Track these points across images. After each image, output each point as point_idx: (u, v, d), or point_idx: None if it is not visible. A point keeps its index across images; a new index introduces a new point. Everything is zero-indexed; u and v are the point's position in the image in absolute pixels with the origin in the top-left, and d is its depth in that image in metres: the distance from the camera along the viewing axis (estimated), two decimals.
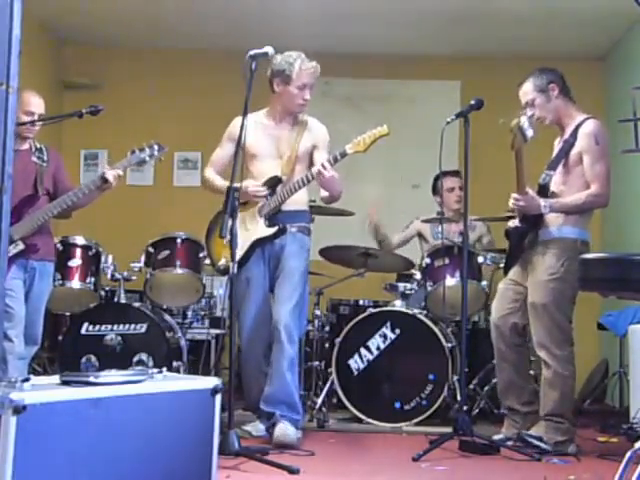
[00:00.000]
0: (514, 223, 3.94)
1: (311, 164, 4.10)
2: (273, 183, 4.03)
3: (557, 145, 4.00)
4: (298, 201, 4.04)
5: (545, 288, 3.82)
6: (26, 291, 3.95)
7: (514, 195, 3.84)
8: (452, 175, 5.19)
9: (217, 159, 4.18)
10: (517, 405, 3.96)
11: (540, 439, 3.73)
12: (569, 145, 3.84)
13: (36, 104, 3.99)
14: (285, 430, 3.77)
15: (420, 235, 5.51)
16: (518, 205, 3.83)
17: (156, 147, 4.01)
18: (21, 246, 3.83)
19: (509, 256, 4.04)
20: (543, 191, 3.88)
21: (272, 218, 4.02)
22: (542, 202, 3.79)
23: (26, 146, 4.02)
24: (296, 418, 3.91)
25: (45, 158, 4.07)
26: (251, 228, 4.02)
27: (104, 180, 3.91)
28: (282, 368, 3.87)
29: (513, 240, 3.97)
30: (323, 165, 3.84)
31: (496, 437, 3.90)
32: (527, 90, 3.94)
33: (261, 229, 4.02)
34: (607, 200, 3.83)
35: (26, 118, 3.94)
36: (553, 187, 3.89)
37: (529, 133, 3.64)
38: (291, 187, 3.96)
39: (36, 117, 3.99)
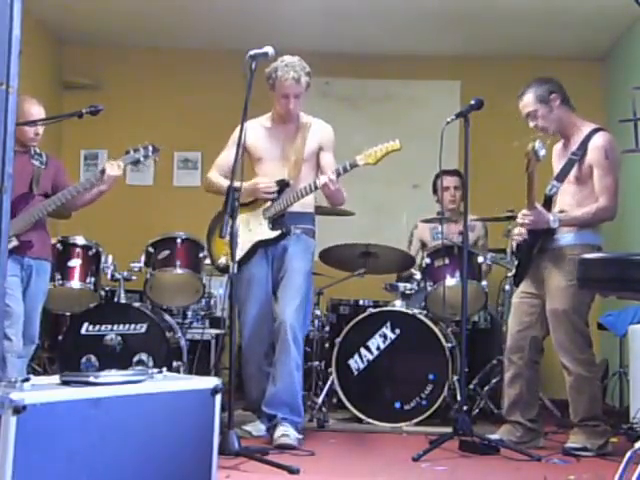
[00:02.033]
0: (522, 237, 3.91)
1: (317, 165, 4.12)
2: (280, 186, 4.04)
3: (558, 153, 3.98)
4: (304, 203, 4.04)
5: (565, 294, 3.78)
6: (23, 289, 3.95)
7: (523, 211, 3.82)
8: (450, 174, 5.19)
9: (223, 162, 4.12)
10: (522, 420, 3.94)
11: (585, 449, 3.73)
12: (578, 158, 3.82)
13: (38, 113, 4.01)
14: (286, 432, 3.77)
15: (422, 243, 5.51)
16: (527, 220, 3.81)
17: (150, 148, 4.05)
18: (15, 242, 3.83)
19: (519, 267, 4.01)
20: (549, 202, 3.86)
21: (276, 221, 4.03)
22: (551, 217, 3.77)
23: (25, 149, 4.02)
24: (297, 421, 3.91)
25: (43, 161, 4.08)
26: (254, 229, 4.02)
27: (103, 172, 3.92)
28: (288, 369, 3.87)
29: (523, 252, 3.95)
30: (330, 178, 3.84)
31: (491, 437, 3.89)
32: (528, 102, 3.91)
33: (264, 231, 4.03)
34: (614, 213, 3.81)
35: (28, 129, 3.95)
36: (560, 202, 3.87)
37: (542, 153, 3.64)
38: (297, 193, 3.96)
39: (38, 123, 4.01)
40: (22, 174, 3.91)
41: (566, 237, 3.83)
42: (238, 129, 3.95)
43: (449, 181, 5.25)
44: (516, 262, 4.04)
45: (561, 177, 3.87)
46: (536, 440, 3.95)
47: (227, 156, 4.07)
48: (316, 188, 3.93)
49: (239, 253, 3.69)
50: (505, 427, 3.98)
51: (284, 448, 3.68)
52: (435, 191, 5.44)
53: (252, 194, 3.96)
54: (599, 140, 3.81)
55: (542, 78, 3.97)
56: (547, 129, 3.90)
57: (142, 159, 4.02)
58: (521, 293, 4.01)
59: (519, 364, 3.94)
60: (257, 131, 4.07)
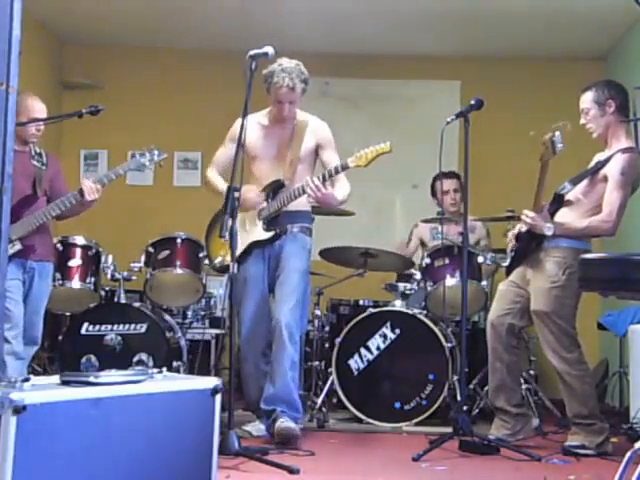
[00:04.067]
0: (524, 228, 3.94)
1: (314, 165, 4.13)
2: (275, 187, 4.04)
3: (594, 161, 3.97)
4: (299, 202, 4.03)
5: (547, 296, 3.83)
6: (25, 292, 3.95)
7: (527, 212, 3.86)
8: (448, 177, 5.17)
9: (219, 159, 4.16)
10: (508, 406, 3.97)
11: (583, 447, 3.74)
12: (600, 166, 3.84)
13: (41, 109, 4.00)
14: (287, 422, 3.79)
15: (421, 242, 5.51)
16: (527, 222, 3.85)
17: (156, 152, 4.05)
18: (18, 246, 3.83)
19: (514, 257, 4.04)
20: (558, 199, 3.88)
21: (271, 222, 4.03)
22: (547, 225, 3.80)
23: (26, 149, 4.02)
24: (296, 416, 3.92)
25: (44, 161, 4.08)
26: (250, 230, 4.03)
27: (82, 193, 3.91)
28: (283, 367, 3.88)
29: (522, 242, 3.97)
30: (312, 185, 3.84)
31: (491, 437, 3.89)
32: (586, 99, 3.93)
33: (258, 232, 4.04)
34: (614, 229, 3.81)
35: (31, 125, 3.94)
36: (571, 197, 3.88)
37: (559, 147, 3.69)
38: (290, 195, 3.98)
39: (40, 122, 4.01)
40: (24, 175, 3.91)
41: (550, 240, 3.86)
42: (235, 125, 3.97)
43: (448, 184, 5.24)
44: (512, 253, 4.05)
45: (576, 180, 3.88)
46: (529, 424, 4.02)
47: (224, 153, 4.10)
48: (302, 193, 3.93)
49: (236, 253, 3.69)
50: (496, 423, 4.02)
51: (286, 439, 3.71)
52: (434, 194, 5.43)
53: (243, 204, 3.72)
54: (622, 156, 3.80)
55: (609, 81, 4.01)
56: (593, 130, 3.92)
57: (147, 164, 4.02)
58: (509, 282, 4.05)
59: (499, 349, 3.98)
60: (254, 129, 4.07)
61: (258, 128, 4.11)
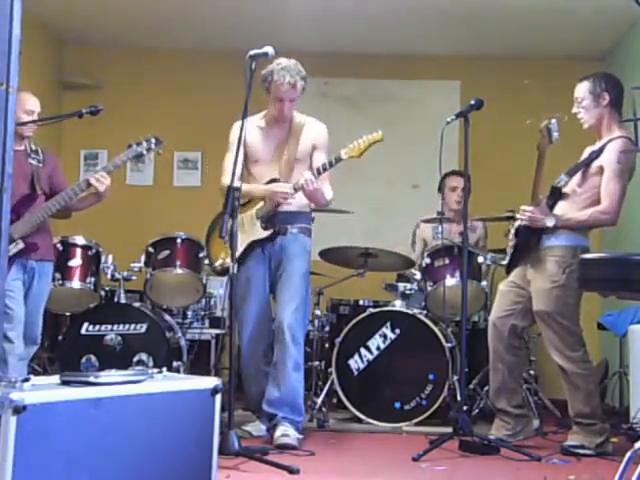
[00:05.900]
0: (523, 222, 3.94)
1: (311, 165, 4.11)
2: None
3: (585, 153, 3.97)
4: (300, 202, 4.04)
5: (548, 296, 3.83)
6: (25, 291, 3.95)
7: (524, 207, 3.86)
8: (457, 175, 5.17)
9: (230, 166, 4.12)
10: (508, 407, 3.97)
11: (582, 447, 3.74)
12: (594, 157, 3.83)
13: (34, 102, 4.00)
14: (286, 432, 3.78)
15: (424, 242, 5.50)
16: (526, 217, 3.84)
17: (153, 140, 4.02)
18: (21, 245, 3.83)
19: (514, 254, 4.03)
20: (555, 192, 3.87)
21: (268, 220, 4.03)
22: (548, 217, 3.79)
23: (21, 147, 4.01)
24: (298, 420, 3.91)
25: (41, 159, 4.07)
26: (248, 230, 4.03)
27: (88, 184, 3.91)
28: (287, 369, 3.87)
29: (521, 238, 3.96)
30: (307, 178, 3.85)
31: (491, 437, 3.89)
32: (581, 89, 3.92)
33: (257, 231, 4.04)
34: (615, 219, 3.81)
35: (26, 117, 3.95)
36: (567, 189, 3.88)
37: (555, 135, 3.70)
38: None
39: (35, 115, 4.01)
40: (21, 174, 3.90)
41: (548, 238, 3.85)
42: (234, 129, 3.97)
43: (457, 181, 5.21)
44: (511, 251, 4.04)
45: (572, 172, 3.88)
46: (529, 425, 4.01)
47: (231, 159, 4.04)
48: (297, 190, 3.93)
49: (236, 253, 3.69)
50: (496, 423, 4.02)
51: (284, 448, 3.69)
52: (440, 190, 5.38)
53: (270, 198, 3.97)
54: (617, 144, 3.80)
55: (607, 74, 4.00)
56: (585, 121, 3.91)
57: (145, 152, 4.00)
58: (510, 282, 4.04)
59: (500, 350, 3.98)
60: (254, 132, 4.07)
61: (257, 131, 4.11)
